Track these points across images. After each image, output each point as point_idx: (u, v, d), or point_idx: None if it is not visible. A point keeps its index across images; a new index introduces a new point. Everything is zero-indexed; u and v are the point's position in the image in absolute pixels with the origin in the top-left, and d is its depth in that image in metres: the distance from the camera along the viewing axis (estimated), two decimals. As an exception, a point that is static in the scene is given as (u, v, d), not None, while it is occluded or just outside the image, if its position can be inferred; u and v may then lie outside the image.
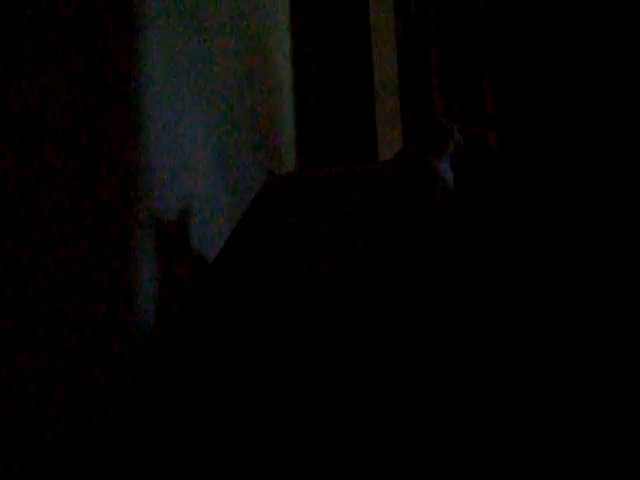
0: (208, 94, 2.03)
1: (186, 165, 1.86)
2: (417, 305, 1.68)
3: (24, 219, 1.27)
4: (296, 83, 3.05)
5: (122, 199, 1.57)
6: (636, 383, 1.37)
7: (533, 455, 1.26)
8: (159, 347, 1.66)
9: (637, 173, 2.02)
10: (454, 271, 1.78)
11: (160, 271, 1.69)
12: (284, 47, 2.92)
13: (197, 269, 1.87)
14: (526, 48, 3.18)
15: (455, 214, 1.98)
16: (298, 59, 3.08)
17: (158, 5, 1.77)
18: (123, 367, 1.52)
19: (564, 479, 1.21)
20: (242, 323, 1.70)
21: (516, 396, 1.39)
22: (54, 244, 1.34)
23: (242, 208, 2.21)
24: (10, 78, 1.26)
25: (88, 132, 1.46)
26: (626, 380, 1.39)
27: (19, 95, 1.28)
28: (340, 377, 1.52)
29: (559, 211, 1.97)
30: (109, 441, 1.44)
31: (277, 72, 2.78)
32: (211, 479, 1.33)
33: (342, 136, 3.23)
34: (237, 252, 2.02)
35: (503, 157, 2.29)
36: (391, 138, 3.11)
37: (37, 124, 1.32)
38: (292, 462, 1.32)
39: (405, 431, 1.35)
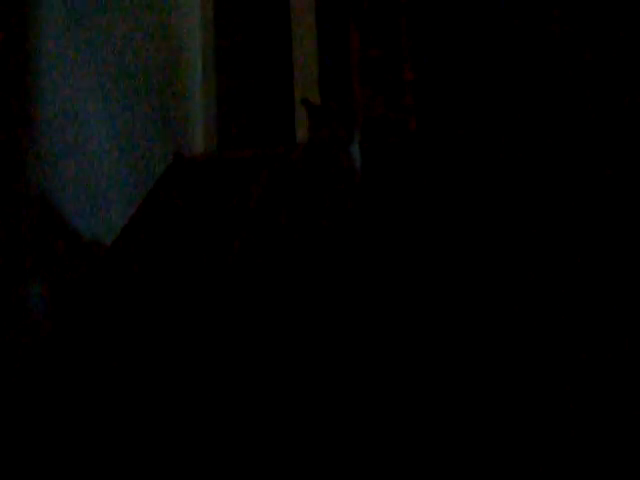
0: (109, 71, 1.97)
1: (84, 142, 1.81)
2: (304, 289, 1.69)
3: None
4: (217, 66, 3.01)
5: (8, 177, 1.51)
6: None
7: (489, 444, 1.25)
8: (52, 333, 1.62)
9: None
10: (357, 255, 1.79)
11: (52, 255, 1.64)
12: (197, 29, 2.87)
13: (94, 252, 1.82)
14: (449, 34, 3.20)
15: (366, 192, 2.02)
16: (219, 42, 3.04)
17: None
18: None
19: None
20: (133, 317, 1.67)
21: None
22: None
23: (146, 189, 2.16)
24: None
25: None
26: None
27: None
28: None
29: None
30: None
31: (187, 53, 2.73)
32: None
33: (262, 119, 3.21)
34: (136, 236, 1.97)
35: (421, 138, 2.33)
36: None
37: None
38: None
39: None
